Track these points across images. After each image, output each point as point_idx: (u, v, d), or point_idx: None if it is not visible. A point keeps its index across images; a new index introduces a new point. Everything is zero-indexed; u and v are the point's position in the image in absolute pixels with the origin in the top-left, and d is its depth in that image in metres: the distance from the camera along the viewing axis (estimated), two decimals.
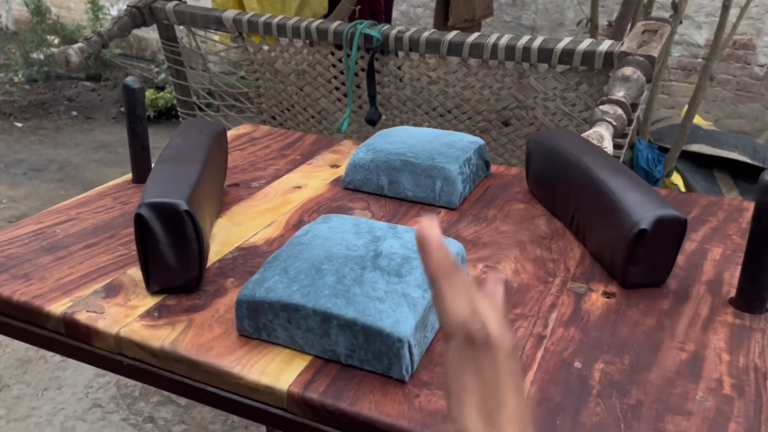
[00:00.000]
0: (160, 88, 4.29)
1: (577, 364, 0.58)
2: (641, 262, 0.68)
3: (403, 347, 0.55)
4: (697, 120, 2.32)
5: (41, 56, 4.62)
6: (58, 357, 2.05)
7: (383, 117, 1.89)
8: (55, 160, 3.57)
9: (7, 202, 3.07)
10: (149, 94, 4.09)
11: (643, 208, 0.67)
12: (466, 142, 0.95)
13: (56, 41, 4.82)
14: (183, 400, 1.89)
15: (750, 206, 0.89)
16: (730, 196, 2.15)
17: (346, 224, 0.69)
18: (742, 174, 2.19)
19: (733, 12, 2.18)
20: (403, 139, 0.95)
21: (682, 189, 2.17)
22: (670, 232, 0.68)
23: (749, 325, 0.64)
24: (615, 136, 1.37)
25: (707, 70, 1.90)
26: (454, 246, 0.67)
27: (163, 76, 4.36)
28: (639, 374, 0.57)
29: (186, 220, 0.64)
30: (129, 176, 0.95)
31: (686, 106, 2.45)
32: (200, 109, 2.41)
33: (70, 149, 3.73)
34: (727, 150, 2.17)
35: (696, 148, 2.19)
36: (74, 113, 4.23)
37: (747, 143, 2.25)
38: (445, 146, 0.92)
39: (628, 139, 1.67)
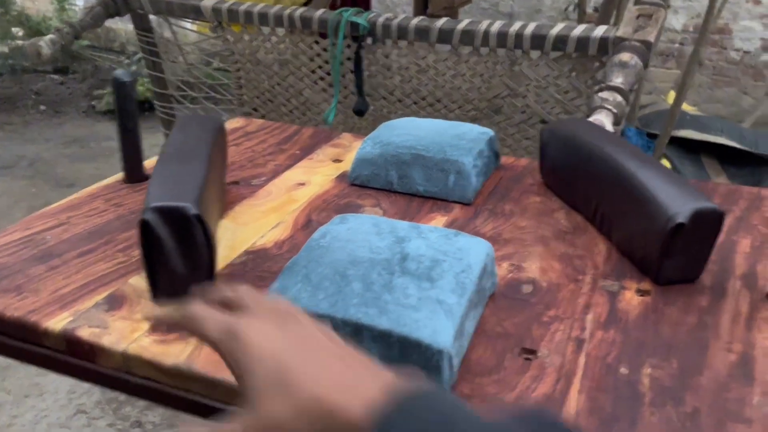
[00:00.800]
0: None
1: (624, 370, 0.55)
2: (677, 257, 0.65)
3: (443, 359, 0.51)
4: (683, 105, 2.31)
5: (6, 49, 4.45)
6: None
7: (371, 107, 1.84)
8: (24, 156, 3.45)
9: None
10: None
11: (679, 201, 0.64)
12: (476, 133, 0.91)
13: (21, 33, 4.66)
14: None
15: None
16: (718, 181, 2.15)
17: (365, 224, 0.65)
18: (729, 158, 2.19)
19: None
20: (410, 131, 0.91)
21: None
22: (707, 226, 0.64)
23: None
24: (614, 123, 1.35)
25: (696, 55, 1.89)
26: (483, 245, 0.63)
27: (134, 68, 4.24)
28: (690, 378, 0.54)
29: (196, 225, 0.59)
30: (120, 176, 0.89)
31: (671, 92, 2.44)
32: (178, 101, 2.33)
33: (40, 144, 3.60)
34: (714, 135, 2.17)
35: (684, 133, 2.18)
36: (42, 107, 4.09)
37: (733, 128, 2.26)
38: (455, 138, 0.88)
39: (621, 127, 1.65)
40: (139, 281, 0.65)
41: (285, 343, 0.37)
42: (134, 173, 0.86)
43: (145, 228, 0.58)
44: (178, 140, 0.73)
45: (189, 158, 0.68)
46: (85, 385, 1.90)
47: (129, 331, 0.58)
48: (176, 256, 0.59)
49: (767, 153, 2.00)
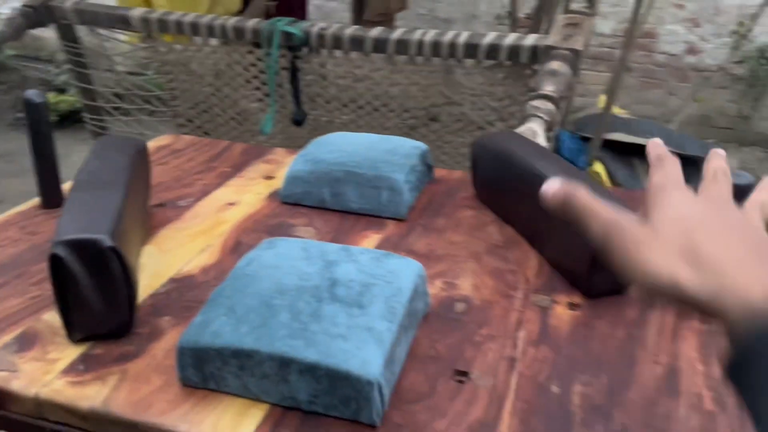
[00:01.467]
0: (62, 90, 4.02)
1: (555, 389, 0.55)
2: (605, 269, 0.65)
3: (372, 390, 0.49)
4: (615, 109, 2.38)
5: None
6: None
7: (309, 116, 1.82)
8: None
9: None
10: (51, 97, 3.82)
11: None
12: (409, 147, 0.90)
13: None
14: None
15: None
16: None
17: (294, 249, 0.63)
18: None
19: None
20: (341, 147, 0.89)
21: (604, 177, 2.22)
22: None
23: (716, 330, 0.62)
24: (546, 130, 1.37)
25: (624, 59, 1.95)
26: (413, 266, 0.62)
27: (64, 77, 4.08)
28: (619, 395, 0.54)
29: (112, 257, 0.56)
30: (36, 201, 0.84)
31: (602, 96, 2.51)
32: (109, 113, 2.25)
33: None
34: (644, 137, 2.23)
35: (615, 136, 2.24)
36: None
37: (661, 130, 2.33)
38: (387, 153, 0.87)
39: (554, 132, 1.68)
40: (53, 317, 0.62)
41: (704, 215, 0.38)
42: (51, 198, 0.81)
43: (55, 263, 0.55)
44: (94, 166, 0.69)
45: (105, 185, 0.65)
46: None
47: (41, 373, 0.55)
48: (92, 291, 0.56)
49: (693, 154, 2.08)
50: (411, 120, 1.74)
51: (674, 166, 0.42)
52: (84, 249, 0.55)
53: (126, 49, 2.36)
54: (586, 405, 0.53)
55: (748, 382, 0.32)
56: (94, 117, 2.22)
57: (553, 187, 0.40)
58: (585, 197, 0.39)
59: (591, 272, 0.66)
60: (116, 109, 2.29)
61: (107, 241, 0.56)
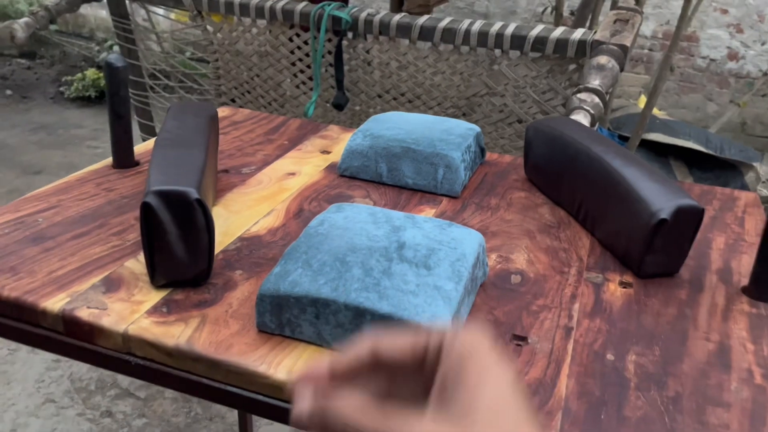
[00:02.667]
0: (102, 67, 4.10)
1: (610, 356, 0.58)
2: (658, 251, 0.68)
3: None
4: (653, 110, 2.38)
5: None
6: (4, 350, 1.94)
7: (350, 102, 1.85)
8: None
9: None
10: (91, 73, 3.91)
11: (662, 198, 0.67)
12: (464, 128, 0.93)
13: None
14: (142, 393, 1.82)
15: (741, 195, 0.91)
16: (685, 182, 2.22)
17: (361, 213, 0.66)
18: (696, 162, 2.27)
19: (679, 4, 2.23)
20: (399, 124, 0.92)
21: None
22: (688, 222, 0.68)
23: (766, 314, 0.65)
24: (591, 124, 1.39)
25: (668, 60, 1.95)
26: (475, 236, 0.65)
27: (104, 54, 4.16)
28: (672, 365, 0.57)
29: (197, 210, 0.60)
30: (109, 160, 0.88)
31: (642, 96, 2.50)
32: (153, 90, 2.31)
33: (6, 131, 3.52)
34: (682, 139, 2.24)
35: (653, 136, 2.24)
36: (9, 92, 3.99)
37: (700, 132, 2.33)
38: (444, 132, 0.90)
39: (595, 128, 1.69)
40: (135, 264, 0.66)
41: None
42: (124, 159, 0.86)
43: (146, 211, 0.58)
44: (174, 126, 0.73)
45: (187, 144, 0.69)
46: (54, 374, 1.87)
47: (128, 313, 0.59)
48: (176, 239, 0.60)
49: (732, 157, 2.08)
50: (452, 109, 1.77)
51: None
52: (173, 200, 0.59)
53: (175, 27, 2.41)
54: (640, 372, 0.56)
55: None
56: (139, 93, 2.28)
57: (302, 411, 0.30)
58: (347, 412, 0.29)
59: (644, 253, 0.68)
60: (161, 86, 2.34)
61: (194, 193, 0.59)
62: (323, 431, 0.30)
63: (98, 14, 4.54)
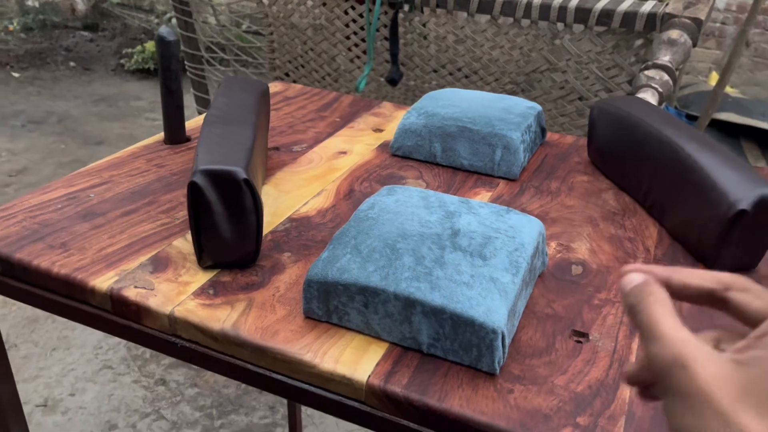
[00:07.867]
0: None
1: None
2: (735, 245, 0.63)
3: (496, 338, 0.49)
4: (726, 88, 2.25)
5: (36, 3, 4.45)
6: None
7: (404, 77, 1.81)
8: (54, 112, 3.47)
9: (7, 155, 2.97)
10: (150, 46, 3.97)
11: (741, 187, 0.62)
12: (524, 107, 0.88)
13: None
14: None
15: None
16: (758, 166, 2.10)
17: (413, 197, 0.63)
18: None
19: None
20: (455, 102, 0.88)
21: None
22: None
23: None
24: (659, 103, 1.31)
25: (744, 35, 1.83)
26: (535, 223, 0.61)
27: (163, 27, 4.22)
28: None
29: (245, 190, 0.58)
30: (160, 136, 0.88)
31: (713, 73, 2.37)
32: (209, 63, 2.32)
33: (69, 101, 3.62)
34: (755, 119, 2.11)
35: (725, 116, 2.12)
36: (72, 64, 4.10)
37: None
38: (503, 111, 0.86)
39: (662, 107, 1.60)
40: (183, 244, 0.65)
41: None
42: (175, 135, 0.85)
43: (194, 190, 0.57)
44: (224, 103, 0.71)
45: (236, 122, 0.67)
46: (112, 341, 1.93)
47: (175, 294, 0.58)
48: (224, 220, 0.58)
49: None
50: (510, 85, 1.71)
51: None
52: (220, 179, 0.57)
53: (231, 0, 2.41)
54: None
55: None
56: (195, 66, 2.29)
57: (630, 282, 0.32)
58: (655, 307, 0.31)
59: (720, 247, 0.63)
60: (216, 59, 2.35)
61: (242, 173, 0.57)
62: (628, 306, 0.32)
63: None
